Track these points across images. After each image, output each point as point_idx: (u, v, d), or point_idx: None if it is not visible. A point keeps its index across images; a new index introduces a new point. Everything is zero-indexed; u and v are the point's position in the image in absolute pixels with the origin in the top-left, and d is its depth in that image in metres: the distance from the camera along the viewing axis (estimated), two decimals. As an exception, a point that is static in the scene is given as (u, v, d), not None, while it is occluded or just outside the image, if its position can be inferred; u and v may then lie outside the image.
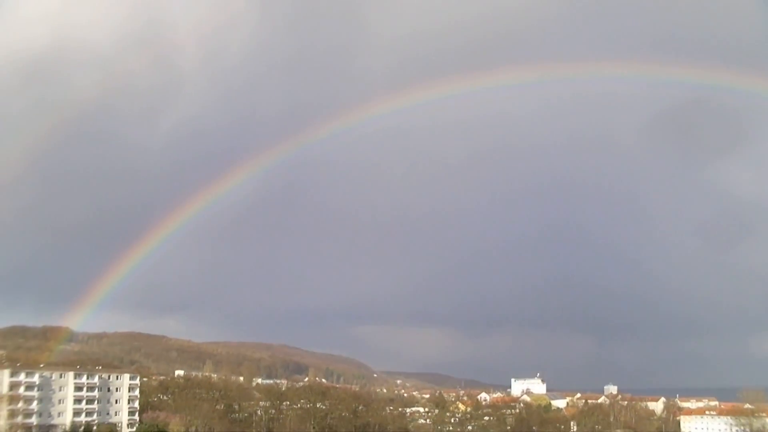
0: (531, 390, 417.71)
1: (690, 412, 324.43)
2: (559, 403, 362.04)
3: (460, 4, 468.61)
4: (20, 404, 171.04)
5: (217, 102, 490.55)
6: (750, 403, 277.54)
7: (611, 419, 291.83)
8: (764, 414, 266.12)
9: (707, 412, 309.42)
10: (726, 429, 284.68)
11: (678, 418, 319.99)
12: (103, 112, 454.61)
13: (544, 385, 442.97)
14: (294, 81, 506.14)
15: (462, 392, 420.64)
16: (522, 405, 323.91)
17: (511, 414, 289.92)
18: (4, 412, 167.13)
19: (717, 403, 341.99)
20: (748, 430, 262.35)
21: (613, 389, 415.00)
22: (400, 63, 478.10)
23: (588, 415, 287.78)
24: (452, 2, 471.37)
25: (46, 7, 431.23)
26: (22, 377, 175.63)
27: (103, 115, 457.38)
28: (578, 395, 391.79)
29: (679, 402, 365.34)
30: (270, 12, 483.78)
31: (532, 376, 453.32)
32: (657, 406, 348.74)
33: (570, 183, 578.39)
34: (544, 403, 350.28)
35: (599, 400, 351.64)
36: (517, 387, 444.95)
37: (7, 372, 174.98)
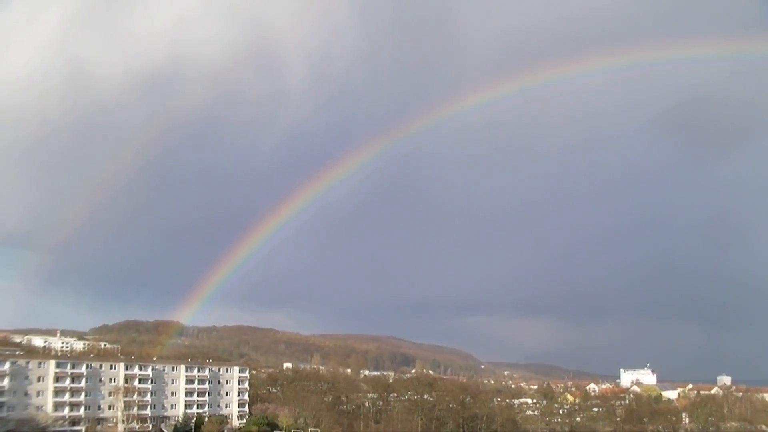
0: (641, 380, 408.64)
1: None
2: (671, 394, 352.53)
3: (549, 4, 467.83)
4: (135, 396, 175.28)
5: (321, 107, 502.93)
6: None
7: (725, 411, 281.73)
8: None
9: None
10: None
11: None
12: (213, 120, 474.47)
13: (654, 375, 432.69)
14: (394, 82, 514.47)
15: (570, 383, 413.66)
16: (632, 396, 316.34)
17: (621, 405, 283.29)
18: (120, 404, 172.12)
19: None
20: None
21: (726, 380, 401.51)
22: (494, 60, 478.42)
23: (701, 406, 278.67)
24: (541, 2, 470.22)
25: (162, 25, 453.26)
26: (136, 370, 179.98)
27: (214, 123, 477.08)
28: (690, 386, 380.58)
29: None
30: (369, 21, 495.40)
31: (642, 366, 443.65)
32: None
33: (670, 168, 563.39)
34: (654, 394, 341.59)
35: (712, 391, 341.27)
36: (627, 377, 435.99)
37: (122, 365, 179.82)
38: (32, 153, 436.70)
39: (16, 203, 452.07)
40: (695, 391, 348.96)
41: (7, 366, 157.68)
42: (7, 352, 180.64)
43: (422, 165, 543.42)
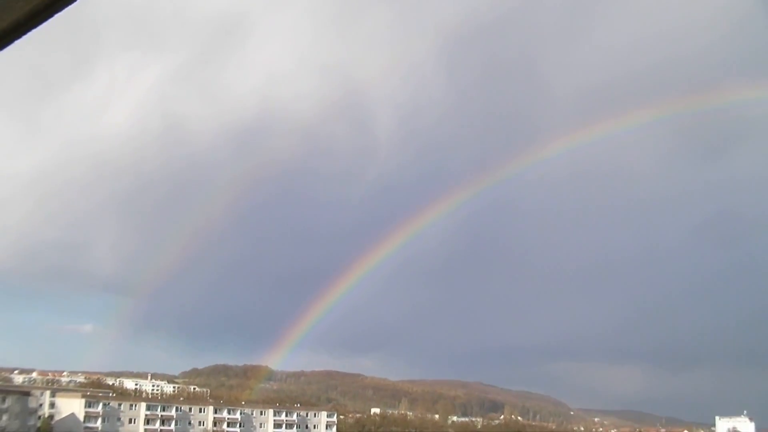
0: (737, 428, 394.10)
1: None
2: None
3: (632, 55, 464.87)
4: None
5: (409, 160, 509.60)
6: None
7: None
8: None
9: None
10: None
11: None
12: (304, 174, 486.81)
13: (753, 423, 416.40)
14: (481, 134, 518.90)
15: (663, 430, 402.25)
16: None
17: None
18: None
19: None
20: None
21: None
22: (578, 113, 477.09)
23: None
24: (624, 55, 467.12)
25: (254, 82, 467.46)
26: (225, 413, 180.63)
27: (304, 177, 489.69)
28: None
29: None
30: (457, 75, 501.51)
31: (739, 414, 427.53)
32: None
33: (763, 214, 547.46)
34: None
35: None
36: (722, 425, 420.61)
37: (211, 408, 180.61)
38: (129, 205, 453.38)
39: (114, 252, 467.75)
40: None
41: (100, 408, 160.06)
42: (100, 394, 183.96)
43: (510, 216, 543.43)
